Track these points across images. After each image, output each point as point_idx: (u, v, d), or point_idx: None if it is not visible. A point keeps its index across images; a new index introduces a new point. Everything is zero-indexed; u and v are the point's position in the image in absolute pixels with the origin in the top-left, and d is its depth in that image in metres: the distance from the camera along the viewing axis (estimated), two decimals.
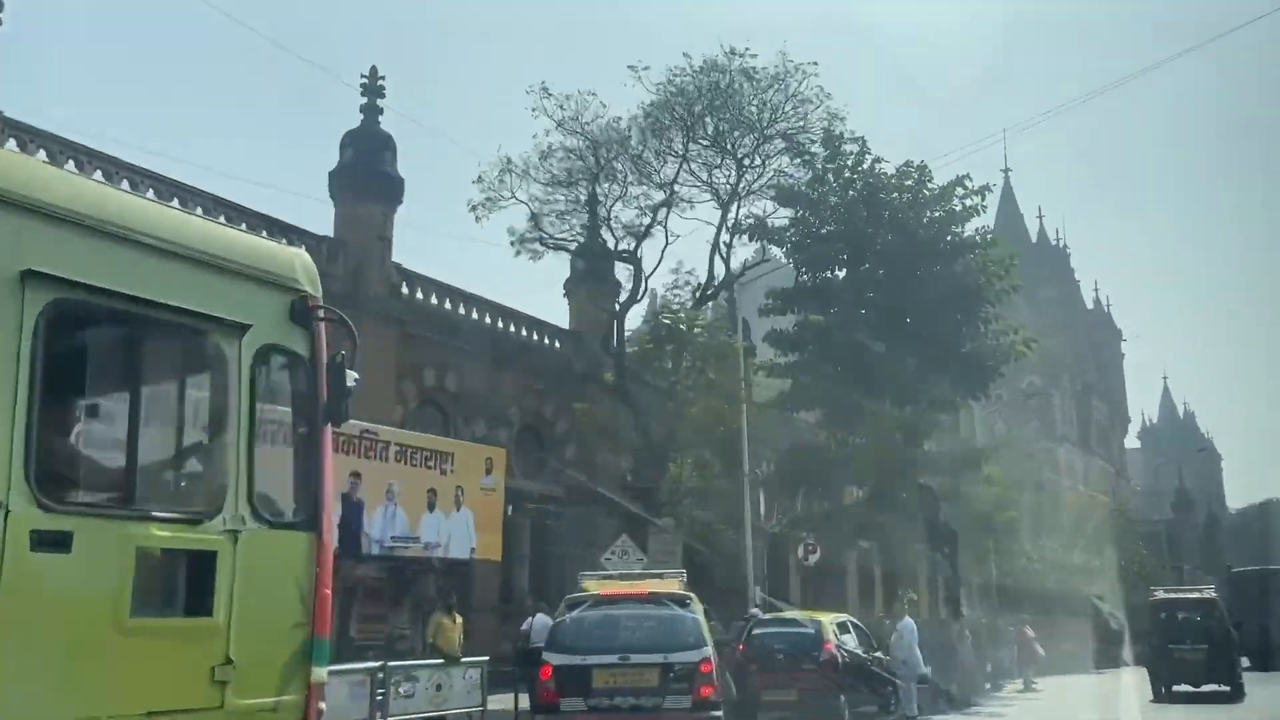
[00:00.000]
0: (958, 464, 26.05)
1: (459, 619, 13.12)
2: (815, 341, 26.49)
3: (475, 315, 21.74)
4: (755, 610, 15.77)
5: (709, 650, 9.81)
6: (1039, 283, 72.67)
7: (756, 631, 15.07)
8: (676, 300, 22.25)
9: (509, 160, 21.46)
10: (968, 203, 26.46)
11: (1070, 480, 70.52)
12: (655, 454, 19.48)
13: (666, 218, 23.46)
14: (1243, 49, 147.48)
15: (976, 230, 27.32)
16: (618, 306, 21.70)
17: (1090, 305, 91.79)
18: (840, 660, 14.38)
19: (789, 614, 15.60)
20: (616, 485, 20.26)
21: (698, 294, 22.65)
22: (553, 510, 21.68)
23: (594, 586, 11.04)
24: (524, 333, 23.10)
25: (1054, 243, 74.53)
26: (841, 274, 27.04)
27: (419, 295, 20.51)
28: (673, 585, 10.96)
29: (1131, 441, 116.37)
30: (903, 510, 25.34)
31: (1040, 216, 75.02)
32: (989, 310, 27.06)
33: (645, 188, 22.19)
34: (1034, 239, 74.63)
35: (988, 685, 23.09)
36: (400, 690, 11.61)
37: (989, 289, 26.81)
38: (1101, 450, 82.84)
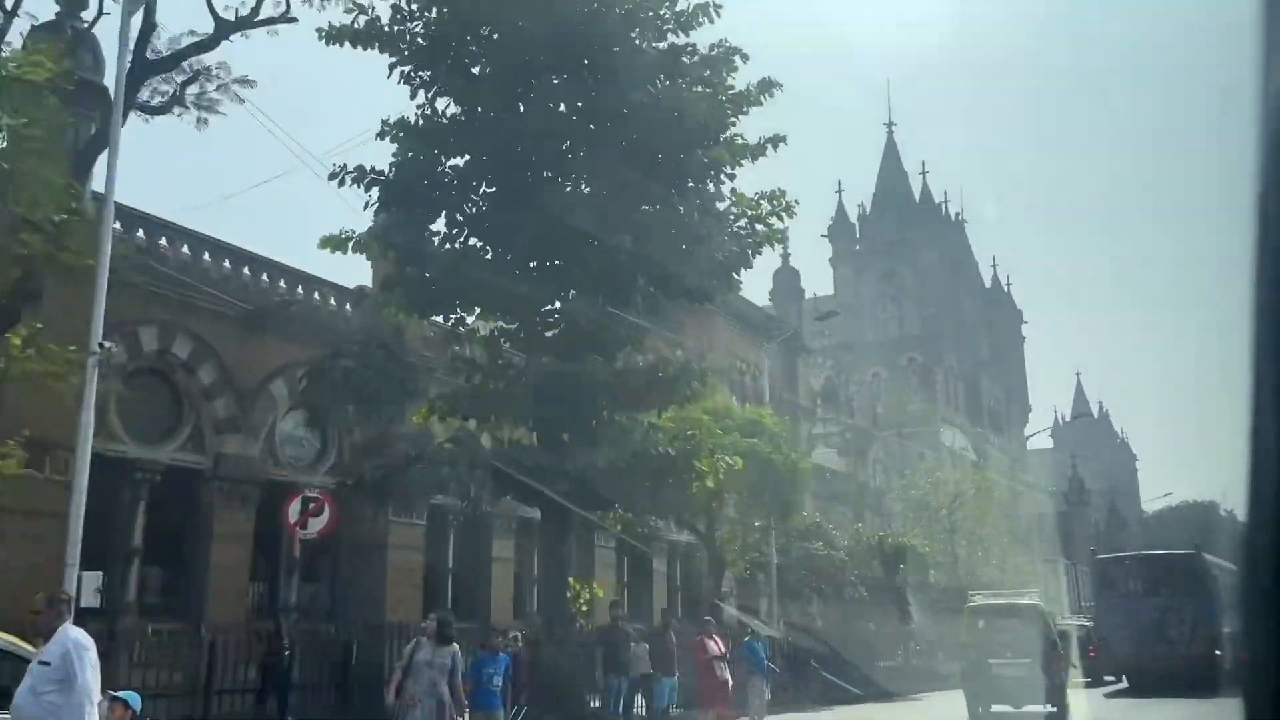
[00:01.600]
0: (652, 390, 16.73)
1: None
2: (432, 196, 17.12)
3: None
4: None
5: None
6: (919, 246, 64.87)
7: None
8: None
9: None
10: None
11: (954, 465, 62.54)
12: None
13: None
14: (1159, 40, 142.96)
15: (713, 46, 18.13)
16: None
17: (989, 284, 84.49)
18: None
19: None
20: None
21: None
22: None
23: None
24: None
25: (938, 201, 66.57)
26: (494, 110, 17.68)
27: None
28: None
29: (1045, 440, 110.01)
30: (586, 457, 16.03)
31: (924, 173, 66.97)
32: (719, 155, 17.97)
33: None
34: (917, 198, 66.62)
35: None
36: None
37: (719, 132, 17.75)
38: (997, 437, 75.31)
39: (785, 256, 44.07)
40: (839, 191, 68.30)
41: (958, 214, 76.97)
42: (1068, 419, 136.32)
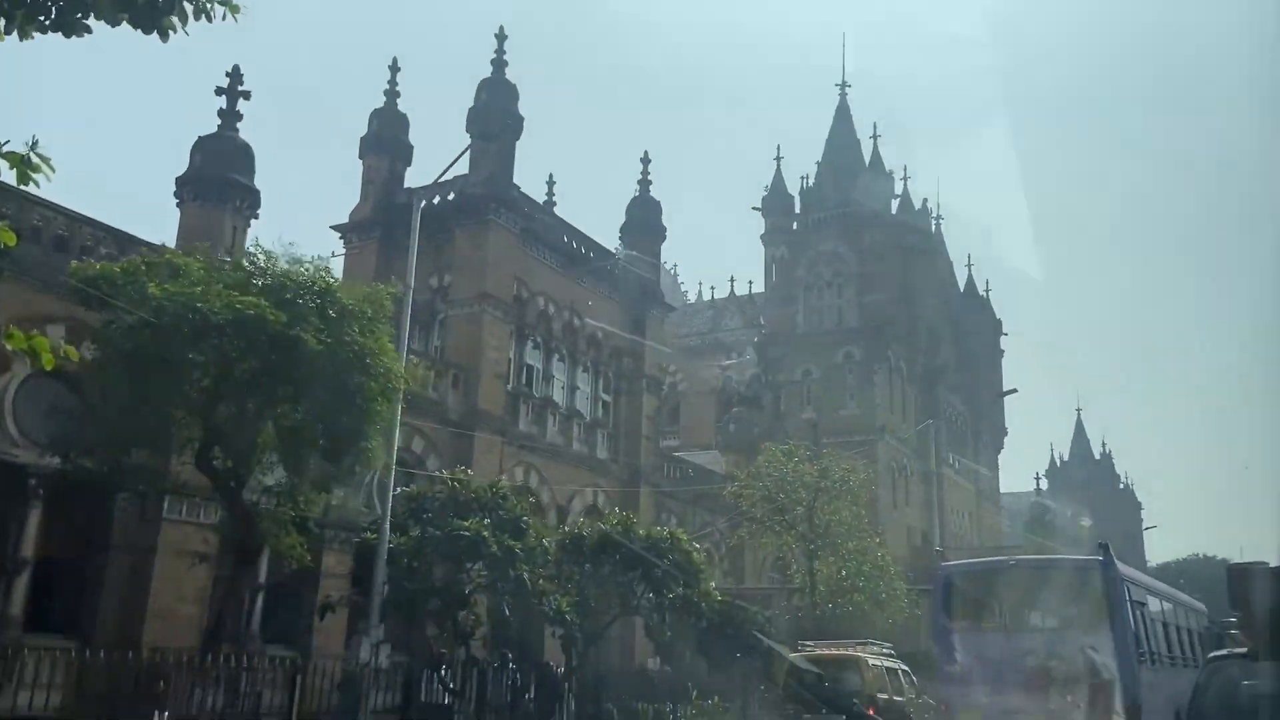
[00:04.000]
0: None
1: None
2: None
3: None
4: None
5: None
6: (861, 222, 54.76)
7: None
8: None
9: None
10: None
11: (892, 489, 51.99)
12: None
13: None
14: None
15: None
16: None
17: (963, 287, 74.07)
18: None
19: None
20: None
21: None
22: None
23: None
24: None
25: (889, 170, 56.42)
26: None
27: None
28: None
29: (1034, 482, 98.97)
30: None
31: (875, 136, 56.83)
32: None
33: None
34: (866, 161, 56.61)
35: None
36: None
37: None
38: (957, 458, 64.63)
39: (645, 183, 34.03)
40: (778, 159, 58.45)
41: (925, 200, 66.94)
42: (1065, 459, 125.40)
